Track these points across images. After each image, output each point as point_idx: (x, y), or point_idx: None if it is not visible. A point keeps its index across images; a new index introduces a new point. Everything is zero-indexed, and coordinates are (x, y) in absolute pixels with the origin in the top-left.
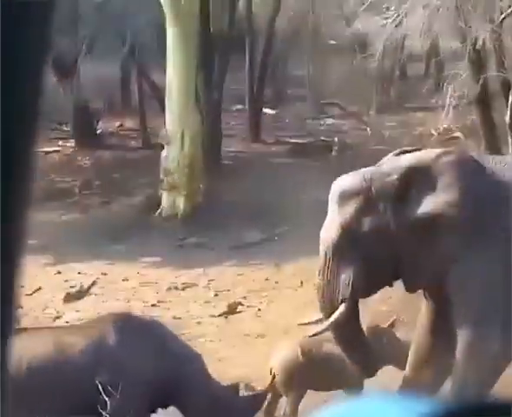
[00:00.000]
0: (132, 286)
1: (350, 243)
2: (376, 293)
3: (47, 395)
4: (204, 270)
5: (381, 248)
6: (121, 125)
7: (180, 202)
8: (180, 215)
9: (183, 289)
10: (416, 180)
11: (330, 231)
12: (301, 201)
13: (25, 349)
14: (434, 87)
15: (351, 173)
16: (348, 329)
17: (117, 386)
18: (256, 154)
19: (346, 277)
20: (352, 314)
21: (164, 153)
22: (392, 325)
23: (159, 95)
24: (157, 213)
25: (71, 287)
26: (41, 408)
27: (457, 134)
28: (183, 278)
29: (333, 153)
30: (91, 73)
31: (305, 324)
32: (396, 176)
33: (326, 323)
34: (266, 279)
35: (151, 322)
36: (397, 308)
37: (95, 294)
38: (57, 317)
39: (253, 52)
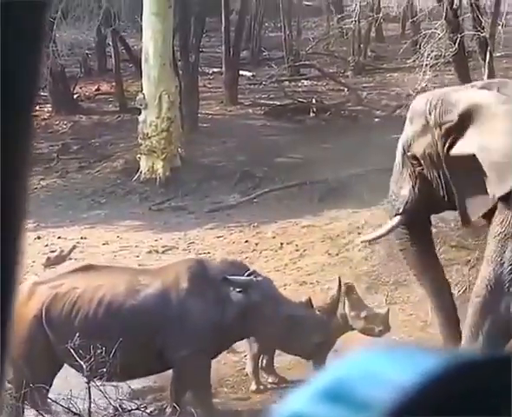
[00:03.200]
0: (112, 250)
1: (408, 161)
2: (437, 213)
3: (115, 330)
4: (184, 233)
5: (434, 173)
6: (98, 89)
7: (159, 166)
8: (159, 179)
9: (163, 252)
10: (473, 119)
11: (399, 145)
12: (279, 164)
13: (100, 285)
14: (411, 47)
15: (427, 93)
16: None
17: (183, 330)
18: (233, 116)
19: (405, 192)
20: (413, 227)
21: (141, 117)
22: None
23: (135, 59)
24: (135, 177)
25: (51, 252)
26: (108, 341)
27: None
28: (163, 241)
29: (311, 114)
30: (67, 38)
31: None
32: (457, 110)
33: (376, 234)
34: (246, 241)
35: (224, 267)
36: (378, 268)
37: (75, 259)
38: None
39: (229, 14)
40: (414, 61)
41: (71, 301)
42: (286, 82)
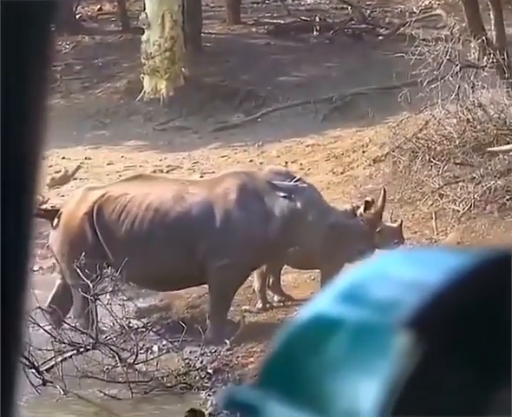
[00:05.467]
0: (116, 170)
1: None
2: None
3: (161, 235)
4: (188, 153)
5: None
6: (101, 9)
7: (162, 86)
8: (163, 99)
9: (167, 172)
10: None
11: None
12: (283, 83)
13: (150, 192)
14: None
15: None
16: None
17: (226, 240)
18: (236, 35)
19: None
20: None
21: (144, 37)
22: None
23: None
24: (139, 97)
25: (56, 172)
26: (152, 246)
27: (439, 11)
28: (167, 161)
29: (314, 33)
30: None
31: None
32: None
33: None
34: (251, 160)
35: (271, 176)
36: (384, 184)
37: (80, 179)
38: (42, 203)
39: None
40: None
41: (122, 204)
42: (289, 1)
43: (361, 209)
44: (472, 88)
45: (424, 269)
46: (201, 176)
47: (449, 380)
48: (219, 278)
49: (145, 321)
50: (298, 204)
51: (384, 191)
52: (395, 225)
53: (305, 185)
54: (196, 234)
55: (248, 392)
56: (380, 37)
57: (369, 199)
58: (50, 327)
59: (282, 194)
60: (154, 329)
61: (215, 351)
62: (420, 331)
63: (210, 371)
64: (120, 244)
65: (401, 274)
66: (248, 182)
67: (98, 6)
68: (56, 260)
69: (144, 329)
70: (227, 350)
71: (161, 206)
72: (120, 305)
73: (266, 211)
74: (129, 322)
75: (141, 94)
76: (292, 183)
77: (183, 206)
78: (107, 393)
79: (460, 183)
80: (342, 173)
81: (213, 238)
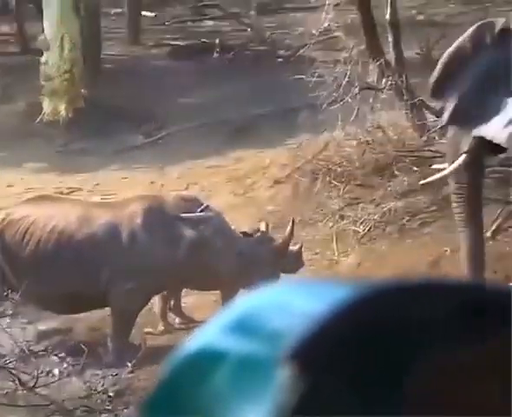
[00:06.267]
0: (16, 192)
1: None
2: (501, 153)
3: (64, 258)
4: (88, 175)
5: None
6: None
7: (62, 108)
8: (62, 121)
9: (68, 194)
10: None
11: None
12: (183, 104)
13: (53, 214)
14: None
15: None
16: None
17: (130, 265)
18: (136, 57)
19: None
20: (472, 168)
21: (43, 58)
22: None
23: (37, 0)
24: (38, 119)
25: None
26: (56, 269)
27: (338, 33)
28: (68, 183)
29: (214, 54)
30: None
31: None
32: None
33: (446, 170)
34: (152, 182)
35: (178, 203)
36: (283, 208)
37: None
38: None
39: None
40: (317, 0)
41: (24, 226)
42: (189, 23)
43: (263, 228)
44: (371, 110)
45: (312, 300)
46: (102, 199)
47: (335, 410)
48: (122, 301)
49: (45, 343)
50: (206, 232)
51: (293, 220)
52: (295, 248)
53: (212, 213)
54: (101, 256)
55: None
56: (280, 59)
57: (267, 222)
58: None
59: (191, 226)
60: (54, 352)
61: (116, 374)
62: (303, 363)
63: (111, 394)
64: (23, 266)
65: (289, 304)
66: (155, 206)
67: None
68: None
69: (45, 352)
70: (129, 373)
71: (66, 228)
72: (20, 328)
73: (173, 237)
74: (29, 346)
75: (41, 116)
76: (199, 213)
77: (88, 228)
78: None
79: (360, 205)
80: (243, 194)
81: (118, 261)
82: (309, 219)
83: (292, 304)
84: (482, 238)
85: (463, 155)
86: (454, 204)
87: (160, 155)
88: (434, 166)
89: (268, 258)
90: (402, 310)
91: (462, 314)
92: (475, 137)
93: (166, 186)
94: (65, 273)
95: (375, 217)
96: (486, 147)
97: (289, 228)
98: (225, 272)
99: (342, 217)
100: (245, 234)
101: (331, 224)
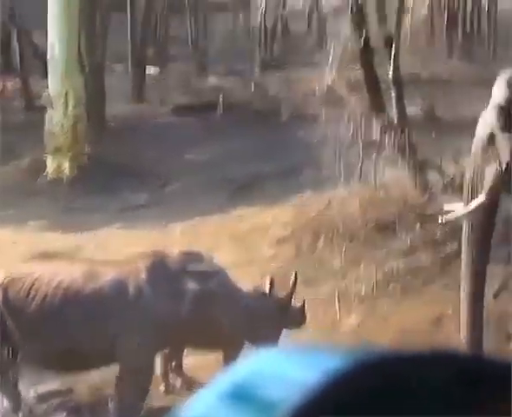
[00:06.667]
0: (21, 249)
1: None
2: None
3: (71, 315)
4: (93, 233)
5: None
6: (4, 87)
7: (66, 165)
8: (66, 178)
9: (72, 252)
10: None
11: (487, 121)
12: (188, 162)
13: (58, 271)
14: (317, 43)
15: None
16: (482, 221)
17: (137, 321)
18: (140, 114)
19: (492, 169)
20: (489, 207)
21: (48, 115)
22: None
23: (41, 57)
24: (42, 176)
25: None
26: (62, 326)
27: (341, 90)
28: (72, 241)
29: (218, 111)
30: None
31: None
32: None
33: (462, 211)
34: (155, 240)
35: (183, 258)
36: (285, 267)
37: None
38: None
39: (135, 11)
40: (320, 58)
41: (29, 282)
42: (193, 80)
43: (267, 288)
44: (374, 167)
45: (307, 369)
46: (105, 256)
47: None
48: (131, 357)
49: (46, 405)
50: (211, 287)
51: (296, 274)
52: (299, 304)
53: (217, 268)
54: (108, 312)
55: None
56: (283, 116)
57: (272, 277)
58: None
59: (196, 280)
60: (55, 414)
61: None
62: None
63: None
64: (28, 323)
65: (284, 372)
66: (159, 262)
67: (1, 85)
68: None
69: (46, 414)
70: None
71: (72, 284)
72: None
73: (178, 291)
74: (30, 409)
75: (45, 173)
76: (204, 267)
77: (94, 284)
78: None
79: (362, 263)
80: (245, 252)
81: (125, 317)
82: (311, 278)
83: (287, 372)
84: (483, 288)
85: (483, 195)
86: (463, 245)
87: (164, 213)
88: (446, 205)
89: (272, 313)
90: (399, 379)
91: (459, 384)
92: (496, 177)
93: (169, 243)
94: (71, 329)
95: (377, 277)
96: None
97: (292, 282)
98: (229, 327)
99: (344, 276)
100: (249, 289)
101: (333, 283)
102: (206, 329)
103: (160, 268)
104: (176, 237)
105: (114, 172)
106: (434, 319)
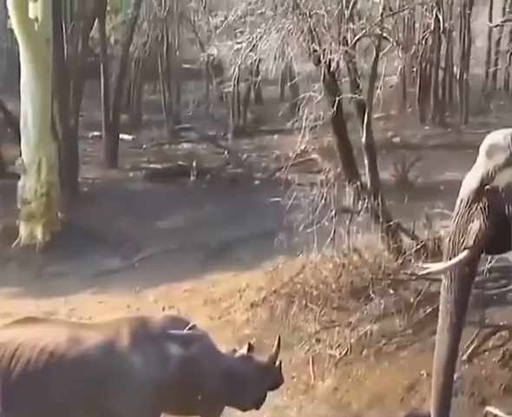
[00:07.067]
0: None
1: (486, 196)
2: (500, 253)
3: (56, 381)
4: (64, 299)
5: None
6: None
7: (38, 231)
8: (39, 245)
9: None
10: None
11: (471, 179)
12: (160, 227)
13: (41, 336)
14: (289, 110)
15: (505, 129)
16: (462, 278)
17: (125, 387)
18: (113, 180)
19: (475, 227)
20: (470, 264)
21: (21, 182)
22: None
23: (14, 123)
24: (15, 243)
25: None
26: (47, 391)
27: (314, 156)
28: (44, 307)
29: (191, 177)
30: None
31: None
32: None
33: (444, 265)
34: (128, 306)
35: (165, 322)
36: (259, 331)
37: None
38: None
39: (108, 78)
40: (293, 123)
41: (10, 350)
42: (167, 146)
43: (244, 352)
44: (347, 232)
45: None
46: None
47: None
48: None
49: None
50: (194, 351)
51: (279, 338)
52: (276, 366)
53: (199, 332)
54: (94, 377)
55: None
56: (256, 182)
57: (251, 342)
58: None
59: (179, 344)
60: None
61: None
62: None
63: None
64: (10, 390)
65: None
66: (142, 327)
67: None
68: None
69: None
70: None
71: (56, 349)
72: None
73: (162, 355)
74: None
75: (17, 240)
76: (186, 332)
77: (79, 349)
78: None
79: (336, 328)
80: (219, 318)
81: (112, 382)
82: (285, 342)
83: None
84: (457, 347)
85: (465, 252)
86: (441, 301)
87: (137, 279)
88: (425, 265)
89: (255, 375)
90: None
91: None
92: (478, 235)
93: (142, 309)
94: (57, 395)
95: (351, 341)
96: (490, 245)
97: (276, 344)
98: (210, 391)
99: (318, 341)
100: (230, 352)
101: (307, 347)
102: (187, 394)
103: (143, 332)
104: (149, 303)
105: (86, 238)
106: (408, 384)
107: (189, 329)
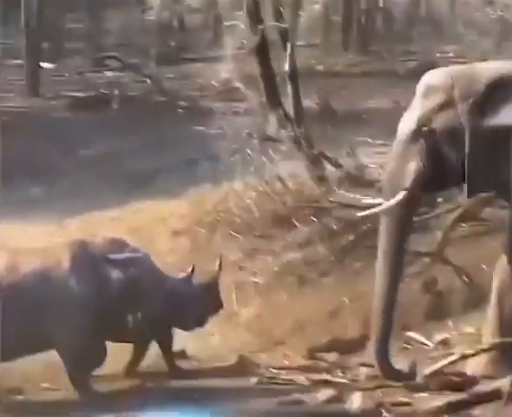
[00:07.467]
0: None
1: (422, 136)
2: (437, 191)
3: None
4: None
5: (450, 148)
6: None
7: None
8: None
9: None
10: (503, 91)
11: (409, 120)
12: (83, 156)
13: None
14: (213, 38)
15: (442, 68)
16: (398, 218)
17: (64, 311)
18: (35, 108)
19: (413, 167)
20: (407, 205)
21: None
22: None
23: None
24: None
25: None
26: None
27: (237, 84)
28: None
29: (114, 106)
30: None
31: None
32: (484, 82)
33: (381, 206)
34: (52, 234)
35: (105, 245)
36: (182, 259)
37: None
38: None
39: (29, 5)
40: (216, 52)
41: None
42: (89, 74)
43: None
44: (271, 161)
45: None
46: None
47: None
48: (66, 346)
49: None
50: (135, 273)
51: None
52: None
53: (140, 254)
54: (32, 304)
55: None
56: (180, 110)
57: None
58: None
59: (118, 268)
60: None
61: None
62: None
63: None
64: None
65: None
66: (81, 251)
67: None
68: None
69: None
70: None
71: None
72: None
73: (102, 278)
74: None
75: None
76: (126, 255)
77: (17, 276)
78: None
79: (259, 256)
80: (143, 246)
81: (50, 309)
82: (208, 270)
83: None
84: (396, 290)
85: (403, 192)
86: (382, 239)
87: (59, 208)
88: (366, 200)
89: (197, 295)
90: None
91: None
92: (416, 175)
93: (65, 238)
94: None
95: (274, 268)
96: (427, 185)
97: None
98: (154, 311)
99: (241, 268)
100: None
101: (230, 275)
102: (129, 318)
103: (83, 256)
104: (72, 231)
105: (7, 168)
106: (331, 310)
107: (131, 251)
